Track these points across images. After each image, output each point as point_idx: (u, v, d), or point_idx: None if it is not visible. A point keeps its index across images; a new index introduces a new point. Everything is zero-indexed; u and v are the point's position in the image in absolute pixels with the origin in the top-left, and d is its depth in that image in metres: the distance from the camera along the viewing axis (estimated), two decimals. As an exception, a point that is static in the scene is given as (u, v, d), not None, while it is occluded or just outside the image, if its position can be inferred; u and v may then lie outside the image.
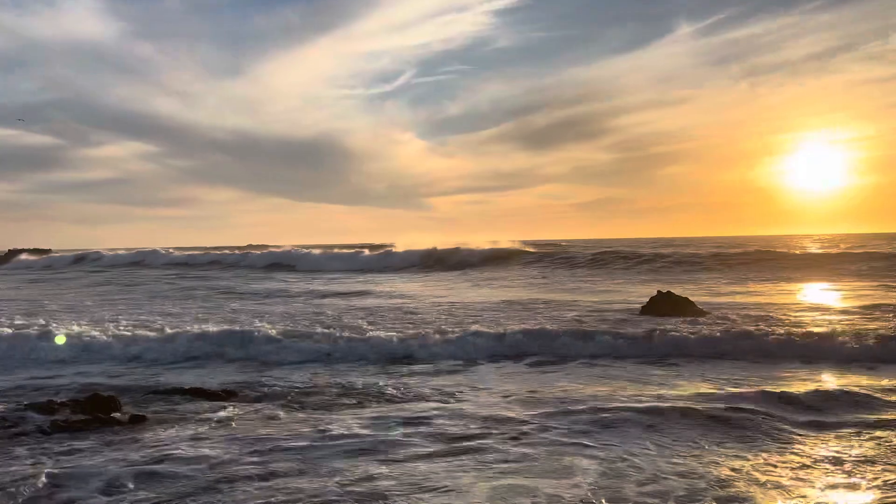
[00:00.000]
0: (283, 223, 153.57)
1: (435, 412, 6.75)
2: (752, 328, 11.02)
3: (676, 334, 10.62)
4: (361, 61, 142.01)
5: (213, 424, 6.52)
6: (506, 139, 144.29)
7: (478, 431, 6.05)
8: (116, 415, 6.87)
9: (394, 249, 40.96)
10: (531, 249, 37.80)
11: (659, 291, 15.06)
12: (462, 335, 10.73)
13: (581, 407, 6.77)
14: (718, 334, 10.54)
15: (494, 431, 6.04)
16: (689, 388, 7.71)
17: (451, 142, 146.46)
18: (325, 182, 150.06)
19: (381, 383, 8.36)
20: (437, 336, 10.74)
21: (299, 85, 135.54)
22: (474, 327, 11.79)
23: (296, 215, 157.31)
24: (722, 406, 6.65)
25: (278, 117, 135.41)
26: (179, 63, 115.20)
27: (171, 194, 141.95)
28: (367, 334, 11.21)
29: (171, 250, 49.77)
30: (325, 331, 11.36)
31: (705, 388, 7.65)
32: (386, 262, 38.36)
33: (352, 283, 27.45)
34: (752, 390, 7.29)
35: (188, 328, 11.92)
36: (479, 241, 38.68)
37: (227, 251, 49.10)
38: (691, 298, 14.97)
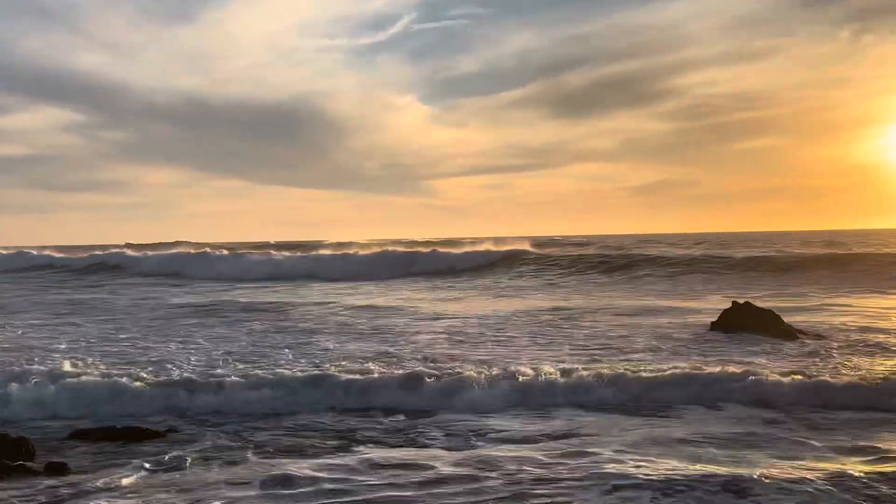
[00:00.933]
0: (242, 212, 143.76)
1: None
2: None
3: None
4: (346, 2, 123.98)
5: (150, 472, 6.15)
6: (534, 104, 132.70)
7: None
8: (28, 463, 6.32)
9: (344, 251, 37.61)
10: (552, 250, 35.53)
11: (734, 302, 14.47)
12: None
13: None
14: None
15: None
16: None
17: (463, 107, 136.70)
18: (298, 160, 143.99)
19: (356, 424, 7.87)
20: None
21: (266, 34, 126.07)
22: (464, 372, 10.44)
23: (259, 202, 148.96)
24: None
25: (238, 76, 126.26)
26: (110, 5, 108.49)
27: (100, 176, 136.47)
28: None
29: (46, 251, 45.99)
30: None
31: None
32: (325, 267, 33.75)
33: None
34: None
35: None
36: (490, 236, 36.26)
37: (139, 251, 43.68)
38: (776, 312, 13.97)
